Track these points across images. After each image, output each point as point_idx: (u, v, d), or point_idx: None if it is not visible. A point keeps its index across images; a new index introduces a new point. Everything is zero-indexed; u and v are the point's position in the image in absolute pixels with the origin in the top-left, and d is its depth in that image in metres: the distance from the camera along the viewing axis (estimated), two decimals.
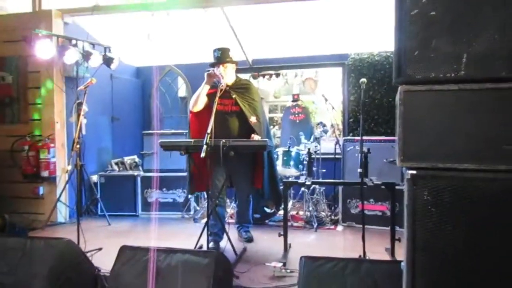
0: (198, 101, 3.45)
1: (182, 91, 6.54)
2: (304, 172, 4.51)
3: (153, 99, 6.32)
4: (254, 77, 6.52)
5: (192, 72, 6.05)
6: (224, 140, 3.00)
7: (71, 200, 4.89)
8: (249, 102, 3.47)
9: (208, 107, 3.41)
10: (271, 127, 10.55)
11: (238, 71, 3.67)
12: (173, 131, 5.30)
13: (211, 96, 3.39)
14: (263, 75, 6.78)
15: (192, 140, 3.23)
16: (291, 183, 3.85)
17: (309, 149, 4.16)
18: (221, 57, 3.43)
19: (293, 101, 6.32)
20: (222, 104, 3.40)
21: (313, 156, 4.42)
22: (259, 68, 6.31)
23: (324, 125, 5.17)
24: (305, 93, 7.47)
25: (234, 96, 3.43)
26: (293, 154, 4.57)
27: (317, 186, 4.80)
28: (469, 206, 1.44)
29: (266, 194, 3.64)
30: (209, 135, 2.85)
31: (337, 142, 4.81)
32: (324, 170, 4.97)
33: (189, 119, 3.63)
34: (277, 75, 6.69)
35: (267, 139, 3.19)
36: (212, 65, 3.48)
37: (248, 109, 3.43)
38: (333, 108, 5.05)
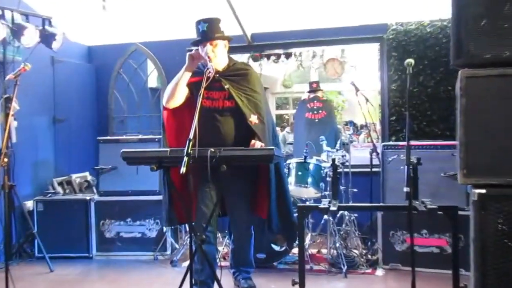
0: (176, 94, 3.46)
1: (152, 80, 6.58)
2: (327, 193, 4.50)
3: (112, 92, 6.35)
4: (255, 59, 6.58)
5: (167, 53, 6.08)
6: (213, 149, 3.00)
7: None
8: (248, 95, 3.49)
9: (190, 102, 3.43)
10: (280, 129, 10.60)
11: (232, 50, 3.69)
12: (140, 136, 5.32)
13: (194, 86, 3.40)
14: (267, 56, 6.83)
15: (168, 149, 3.23)
16: (309, 209, 3.84)
17: (333, 160, 4.16)
18: (208, 31, 3.44)
19: (310, 91, 6.34)
20: (211, 98, 3.42)
21: (339, 169, 4.42)
22: (261, 46, 6.35)
23: (355, 126, 5.17)
24: (328, 80, 7.52)
25: (227, 87, 3.44)
26: (311, 167, 4.56)
27: (346, 213, 4.79)
28: None
29: (274, 225, 3.64)
30: (191, 142, 2.86)
31: (374, 150, 4.82)
32: (355, 190, 4.96)
33: (163, 119, 3.64)
34: (287, 55, 6.74)
35: (273, 147, 3.20)
36: (196, 43, 3.50)
37: (247, 105, 3.44)
38: (367, 101, 5.06)
